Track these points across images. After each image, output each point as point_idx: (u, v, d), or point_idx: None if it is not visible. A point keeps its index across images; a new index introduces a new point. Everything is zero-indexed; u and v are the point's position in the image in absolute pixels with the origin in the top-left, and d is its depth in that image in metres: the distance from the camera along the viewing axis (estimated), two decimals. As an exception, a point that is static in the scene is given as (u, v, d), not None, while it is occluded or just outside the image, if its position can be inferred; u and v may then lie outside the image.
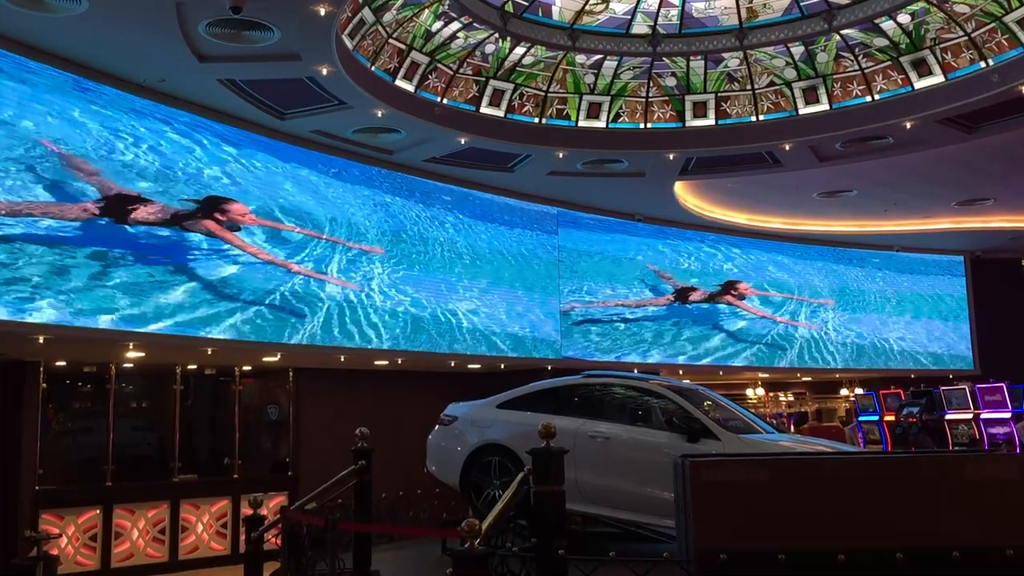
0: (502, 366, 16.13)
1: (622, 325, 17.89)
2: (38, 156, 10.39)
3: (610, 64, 13.97)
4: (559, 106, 14.31)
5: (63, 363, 12.90)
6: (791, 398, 24.07)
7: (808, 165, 15.20)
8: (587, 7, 13.20)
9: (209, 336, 12.03)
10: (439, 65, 12.98)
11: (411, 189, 14.98)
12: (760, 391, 23.14)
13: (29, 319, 10.19)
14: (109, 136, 11.16)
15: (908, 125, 13.46)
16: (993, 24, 12.43)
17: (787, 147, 14.37)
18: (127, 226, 11.29)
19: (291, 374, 15.29)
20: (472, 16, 12.44)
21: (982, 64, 12.69)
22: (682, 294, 18.82)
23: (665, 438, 8.65)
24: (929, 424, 17.87)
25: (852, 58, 13.56)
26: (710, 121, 14.50)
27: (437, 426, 10.11)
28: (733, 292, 19.51)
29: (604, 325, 17.63)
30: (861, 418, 19.62)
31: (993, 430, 17.01)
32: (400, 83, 12.59)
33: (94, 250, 10.90)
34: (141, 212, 11.45)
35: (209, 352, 12.75)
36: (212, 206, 12.31)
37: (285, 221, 13.14)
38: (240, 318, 12.40)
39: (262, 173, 12.93)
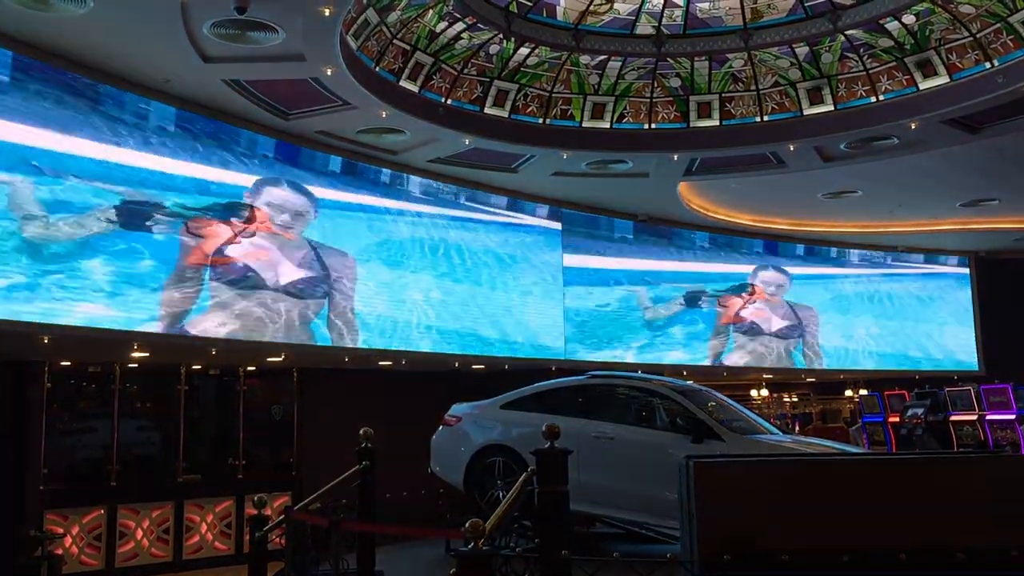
0: (506, 366, 16.12)
1: (627, 325, 17.85)
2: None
3: (614, 65, 13.97)
4: (563, 107, 14.30)
5: (68, 363, 12.94)
6: (795, 399, 24.05)
7: (813, 166, 15.18)
8: (591, 8, 13.20)
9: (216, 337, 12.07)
10: (443, 66, 12.99)
11: (413, 189, 14.97)
12: (764, 392, 23.12)
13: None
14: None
15: (913, 126, 13.44)
16: (998, 25, 12.40)
17: (792, 148, 14.36)
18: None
19: (295, 374, 15.31)
20: (476, 17, 12.44)
21: (987, 65, 12.66)
22: (690, 297, 18.80)
23: (669, 439, 8.65)
24: (934, 425, 17.82)
25: (857, 58, 13.54)
26: (714, 122, 14.49)
27: (441, 426, 10.13)
28: (743, 295, 19.49)
29: (609, 326, 17.59)
30: (865, 419, 19.56)
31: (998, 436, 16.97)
32: (404, 84, 12.60)
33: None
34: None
35: (213, 352, 12.77)
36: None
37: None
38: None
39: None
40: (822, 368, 20.67)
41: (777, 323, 19.85)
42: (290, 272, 12.96)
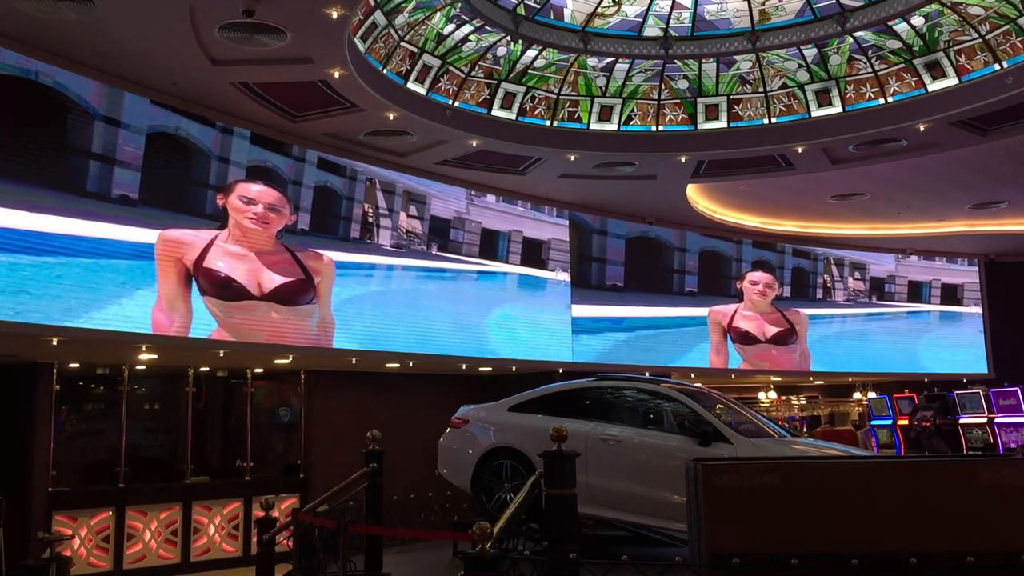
0: (513, 369, 16.12)
1: (633, 328, 17.80)
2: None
3: (622, 67, 13.95)
4: (571, 109, 14.30)
5: (76, 365, 12.96)
6: (803, 402, 23.98)
7: (821, 168, 15.15)
8: (599, 10, 13.19)
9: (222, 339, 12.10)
10: (451, 68, 12.99)
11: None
12: (772, 395, 23.06)
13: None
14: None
15: (922, 128, 13.40)
16: (1007, 26, 12.36)
17: (799, 150, 14.33)
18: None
19: (303, 376, 15.31)
20: (484, 19, 12.44)
21: (996, 66, 12.61)
22: (695, 299, 18.74)
23: (677, 442, 8.63)
24: (943, 428, 17.77)
25: (865, 60, 13.50)
26: (722, 124, 14.47)
27: (449, 429, 10.13)
28: (747, 298, 19.42)
29: (615, 328, 17.54)
30: (874, 422, 19.52)
31: (1007, 437, 16.90)
32: (412, 86, 12.60)
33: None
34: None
35: (221, 354, 12.79)
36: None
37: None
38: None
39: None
40: (831, 371, 20.62)
41: (771, 329, 19.64)
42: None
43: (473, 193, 15.56)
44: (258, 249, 12.58)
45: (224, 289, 12.06)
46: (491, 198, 15.91)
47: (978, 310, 22.06)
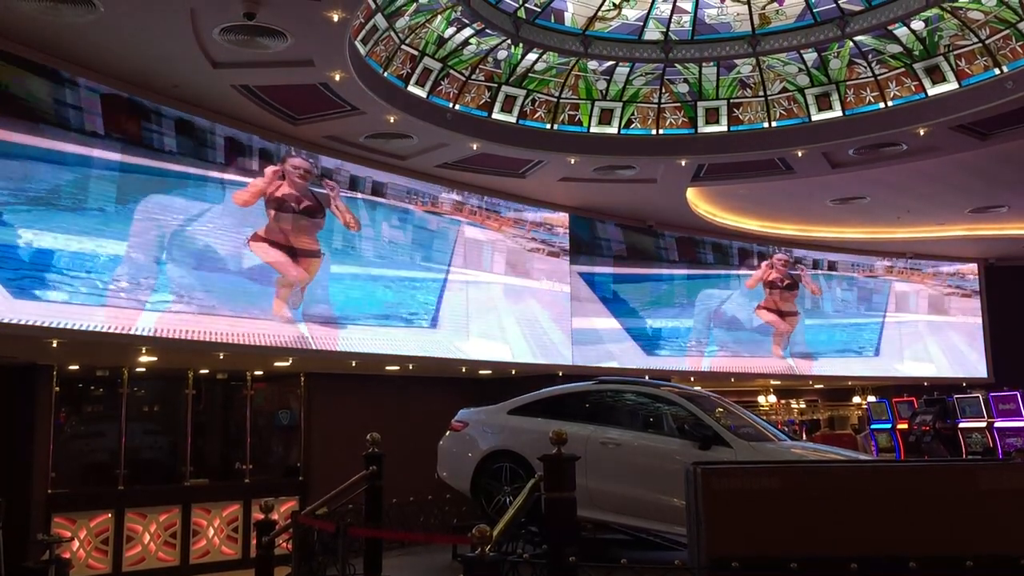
0: (513, 372, 16.12)
1: (624, 338, 17.79)
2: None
3: (622, 70, 13.97)
4: (571, 112, 14.31)
5: (76, 367, 12.96)
6: (803, 405, 23.96)
7: (821, 172, 15.17)
8: (599, 13, 13.21)
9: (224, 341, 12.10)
10: (451, 71, 13.01)
11: (424, 192, 14.95)
12: (772, 398, 23.05)
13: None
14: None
15: (921, 132, 13.42)
16: (1007, 31, 12.38)
17: (799, 154, 14.35)
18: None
19: (302, 379, 15.30)
20: (484, 22, 12.46)
21: (996, 71, 12.63)
22: (682, 308, 18.74)
23: (677, 445, 8.63)
24: (942, 432, 17.77)
25: (865, 64, 13.52)
26: (722, 127, 14.49)
27: (448, 432, 10.13)
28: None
29: (606, 338, 17.52)
30: (874, 426, 19.52)
31: (1007, 441, 16.91)
32: (412, 89, 12.62)
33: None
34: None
35: (221, 356, 12.79)
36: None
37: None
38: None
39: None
40: (830, 374, 20.61)
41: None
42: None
43: (457, 197, 15.48)
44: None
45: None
46: (475, 206, 15.80)
47: (964, 319, 22.07)
